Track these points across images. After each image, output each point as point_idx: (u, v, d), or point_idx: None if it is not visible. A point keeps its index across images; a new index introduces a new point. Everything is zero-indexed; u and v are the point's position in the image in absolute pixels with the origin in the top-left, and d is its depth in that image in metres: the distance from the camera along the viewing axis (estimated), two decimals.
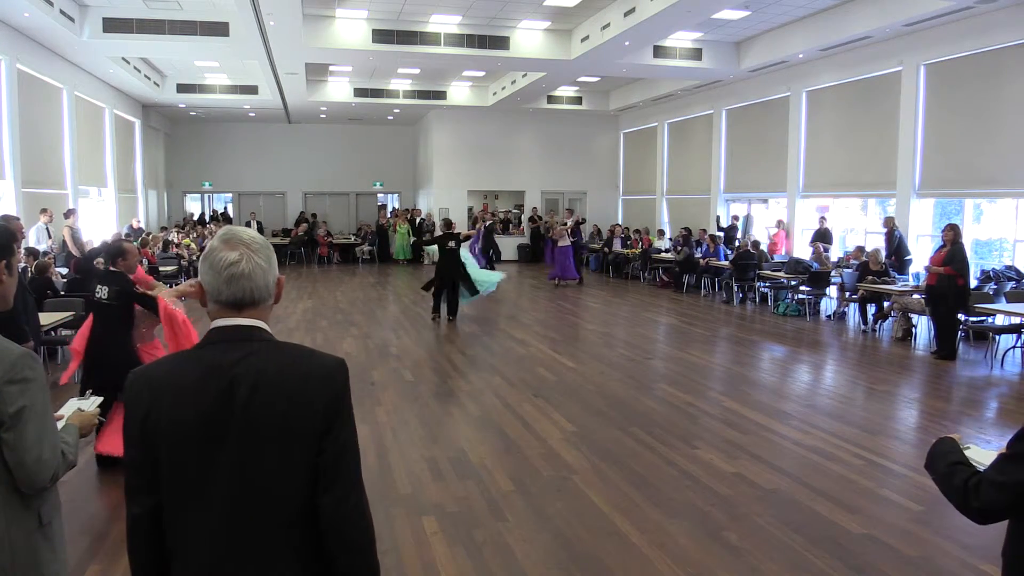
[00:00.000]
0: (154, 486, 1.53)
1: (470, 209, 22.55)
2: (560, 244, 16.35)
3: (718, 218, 17.60)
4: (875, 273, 10.86)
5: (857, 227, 14.93)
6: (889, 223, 12.00)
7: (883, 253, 11.45)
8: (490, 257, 18.18)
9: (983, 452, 2.09)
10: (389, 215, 23.19)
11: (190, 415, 1.49)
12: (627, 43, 13.15)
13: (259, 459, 1.49)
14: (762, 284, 13.52)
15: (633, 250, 18.24)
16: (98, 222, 15.56)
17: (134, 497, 1.55)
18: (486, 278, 11.99)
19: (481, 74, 18.44)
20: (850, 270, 11.76)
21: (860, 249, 12.45)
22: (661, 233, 19.47)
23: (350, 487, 1.56)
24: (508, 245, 22.93)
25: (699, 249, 15.86)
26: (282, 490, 1.50)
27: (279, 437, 1.49)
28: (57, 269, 9.20)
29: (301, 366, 1.54)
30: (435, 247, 11.89)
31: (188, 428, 1.49)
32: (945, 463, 1.99)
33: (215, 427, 1.49)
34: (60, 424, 2.05)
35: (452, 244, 11.39)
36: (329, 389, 1.54)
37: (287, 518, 1.51)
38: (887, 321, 10.61)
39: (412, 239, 20.88)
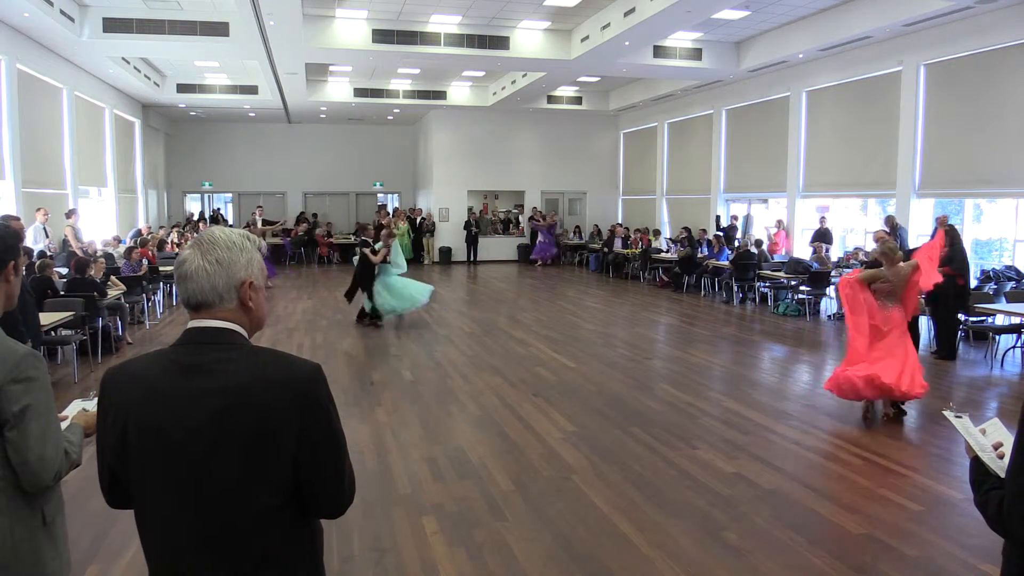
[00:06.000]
0: (116, 485, 1.59)
1: (469, 209, 22.58)
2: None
3: (718, 218, 17.61)
4: None
5: (857, 227, 14.94)
6: (891, 222, 12.01)
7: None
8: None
9: (997, 428, 2.03)
10: (391, 214, 23.16)
11: (159, 419, 1.48)
12: (627, 43, 13.15)
13: (229, 466, 1.47)
14: (762, 284, 13.52)
15: (633, 250, 18.25)
16: (98, 222, 15.55)
17: (101, 486, 1.62)
18: (415, 292, 11.06)
19: (481, 74, 18.44)
20: (850, 270, 11.75)
21: (851, 254, 12.54)
22: (657, 233, 19.49)
23: (336, 487, 1.57)
24: (508, 245, 22.98)
25: (702, 249, 15.87)
26: (251, 496, 1.48)
27: (249, 445, 1.47)
28: (57, 269, 9.20)
29: (275, 373, 1.50)
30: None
31: (156, 432, 1.48)
32: (980, 493, 1.89)
33: (184, 433, 1.47)
34: (64, 424, 2.05)
35: (367, 251, 10.90)
36: (303, 398, 1.50)
37: (257, 525, 1.50)
38: None
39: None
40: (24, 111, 11.76)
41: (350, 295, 11.49)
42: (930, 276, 6.30)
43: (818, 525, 4.25)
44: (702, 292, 15.10)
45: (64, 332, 8.00)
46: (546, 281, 17.44)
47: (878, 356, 6.20)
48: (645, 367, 8.54)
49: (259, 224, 20.87)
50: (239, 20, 12.08)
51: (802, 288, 12.25)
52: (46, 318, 7.05)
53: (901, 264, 6.35)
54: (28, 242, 10.55)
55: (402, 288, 10.99)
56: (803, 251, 14.41)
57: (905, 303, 6.37)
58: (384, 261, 10.81)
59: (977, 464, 1.97)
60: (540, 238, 21.70)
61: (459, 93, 20.24)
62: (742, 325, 11.58)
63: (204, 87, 18.73)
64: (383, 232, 11.14)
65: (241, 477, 1.47)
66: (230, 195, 24.95)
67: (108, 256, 11.84)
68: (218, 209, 25.06)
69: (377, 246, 10.83)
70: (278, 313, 12.16)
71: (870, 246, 12.51)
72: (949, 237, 8.87)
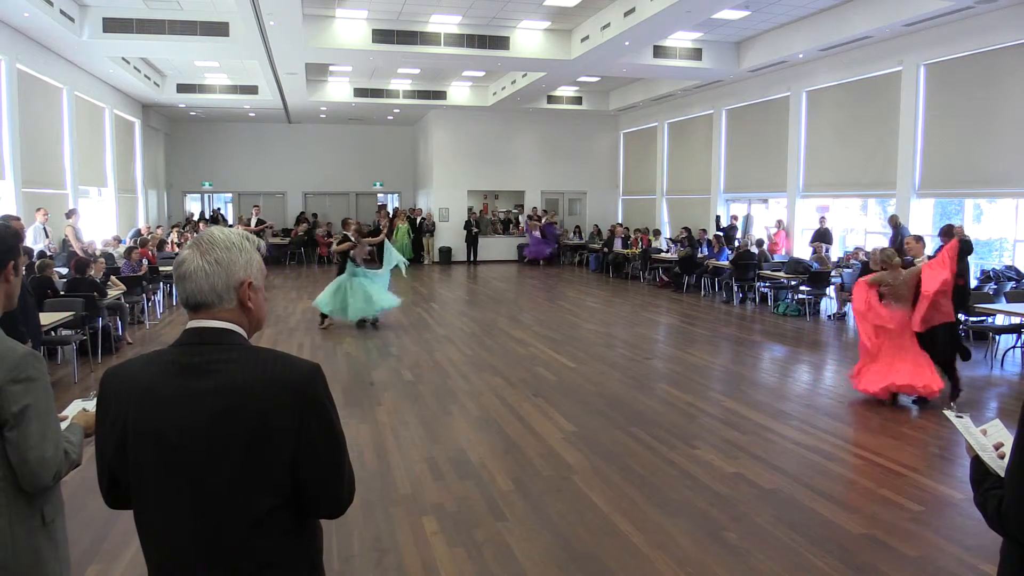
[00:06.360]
0: (115, 485, 1.58)
1: (470, 209, 22.59)
2: None
3: (718, 218, 17.60)
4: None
5: (857, 227, 14.94)
6: (894, 220, 12.02)
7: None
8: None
9: (997, 428, 2.03)
10: (391, 214, 23.15)
11: (158, 419, 1.48)
12: (627, 43, 13.15)
13: (228, 467, 1.47)
14: (762, 284, 13.52)
15: (633, 250, 18.26)
16: (98, 222, 15.55)
17: (101, 487, 1.62)
18: (359, 304, 10.42)
19: (481, 74, 18.44)
20: (850, 270, 11.76)
21: (851, 254, 12.59)
22: (657, 233, 19.49)
23: (335, 488, 1.57)
24: (508, 245, 22.99)
25: (702, 249, 15.87)
26: (251, 497, 1.48)
27: (249, 445, 1.47)
28: (57, 269, 9.20)
29: (274, 373, 1.50)
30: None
31: (156, 433, 1.48)
32: (979, 492, 1.89)
33: (183, 433, 1.47)
34: (64, 424, 2.06)
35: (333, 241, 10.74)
36: (302, 398, 1.50)
37: (256, 526, 1.50)
38: None
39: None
40: (24, 111, 11.76)
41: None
42: (935, 283, 6.54)
43: (818, 525, 4.25)
44: (702, 292, 15.10)
45: (64, 332, 8.00)
46: (546, 281, 17.44)
47: (889, 353, 6.70)
48: (645, 367, 8.54)
49: (252, 223, 20.88)
50: (239, 20, 12.09)
51: (802, 288, 12.24)
52: (46, 318, 7.04)
53: (902, 270, 6.76)
54: (28, 242, 10.55)
55: (351, 295, 10.32)
56: (803, 251, 14.41)
57: (914, 309, 6.68)
58: (348, 256, 10.40)
59: (977, 464, 1.97)
60: (531, 238, 21.85)
61: (459, 93, 20.24)
62: (742, 325, 11.58)
63: (204, 87, 18.73)
64: (352, 228, 10.73)
65: (241, 478, 1.47)
66: (230, 195, 24.95)
67: (108, 256, 11.84)
68: (218, 209, 25.05)
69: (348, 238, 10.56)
70: (278, 313, 12.16)
71: (870, 246, 12.52)
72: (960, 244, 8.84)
